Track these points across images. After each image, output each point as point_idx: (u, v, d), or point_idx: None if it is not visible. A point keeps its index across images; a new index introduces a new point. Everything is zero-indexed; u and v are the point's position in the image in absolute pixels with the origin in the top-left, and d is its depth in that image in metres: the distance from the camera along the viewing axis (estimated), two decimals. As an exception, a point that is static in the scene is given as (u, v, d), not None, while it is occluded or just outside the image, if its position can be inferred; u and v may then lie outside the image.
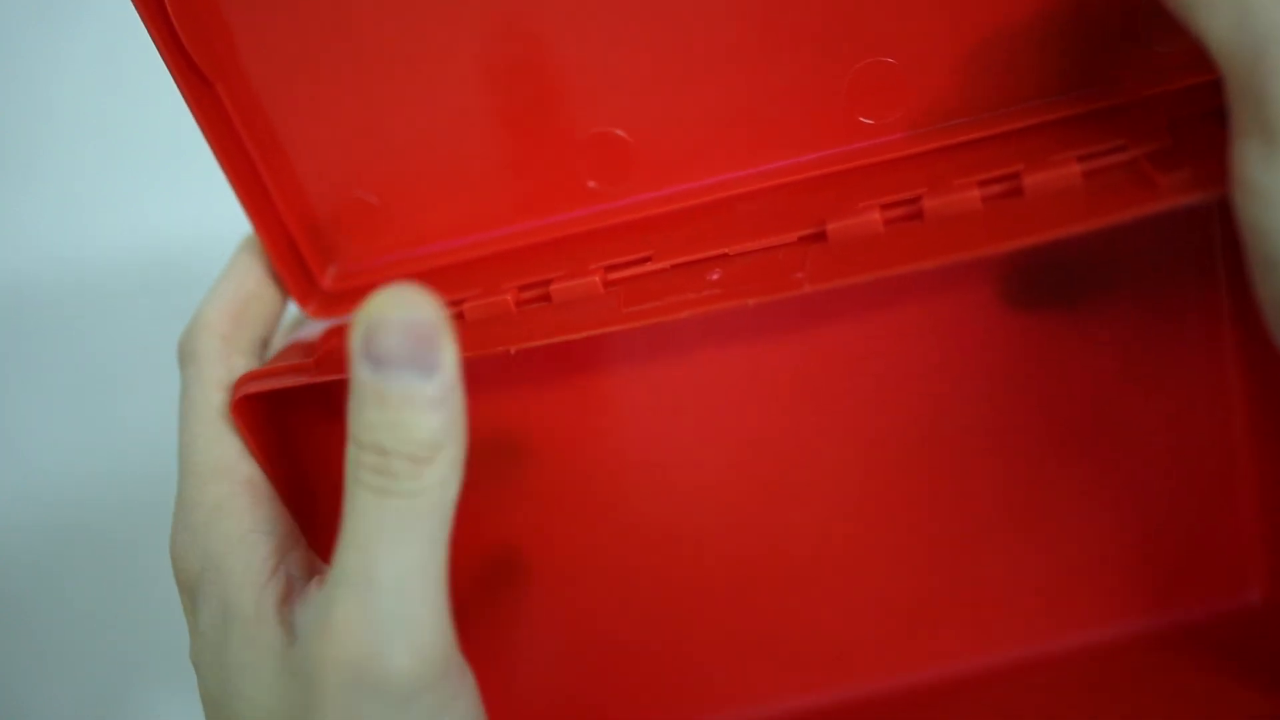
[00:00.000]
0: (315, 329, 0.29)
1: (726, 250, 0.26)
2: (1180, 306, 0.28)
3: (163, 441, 0.44)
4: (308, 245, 0.28)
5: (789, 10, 0.26)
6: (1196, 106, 0.24)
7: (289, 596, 0.23)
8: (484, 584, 0.25)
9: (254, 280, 0.27)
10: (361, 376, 0.21)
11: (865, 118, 0.27)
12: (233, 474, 0.25)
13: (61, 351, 0.44)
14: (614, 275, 0.26)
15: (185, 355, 0.26)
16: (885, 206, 0.25)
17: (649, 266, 0.26)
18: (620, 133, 0.27)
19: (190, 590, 0.24)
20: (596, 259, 0.27)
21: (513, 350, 0.24)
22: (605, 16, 0.26)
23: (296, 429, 0.28)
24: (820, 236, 0.25)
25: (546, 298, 0.26)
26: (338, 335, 0.27)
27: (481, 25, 0.26)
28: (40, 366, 0.44)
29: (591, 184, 0.28)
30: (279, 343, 0.29)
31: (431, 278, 0.28)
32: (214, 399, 0.25)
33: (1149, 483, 0.30)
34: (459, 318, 0.26)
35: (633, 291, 0.26)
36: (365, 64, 0.27)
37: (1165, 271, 0.29)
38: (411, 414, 0.21)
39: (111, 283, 0.44)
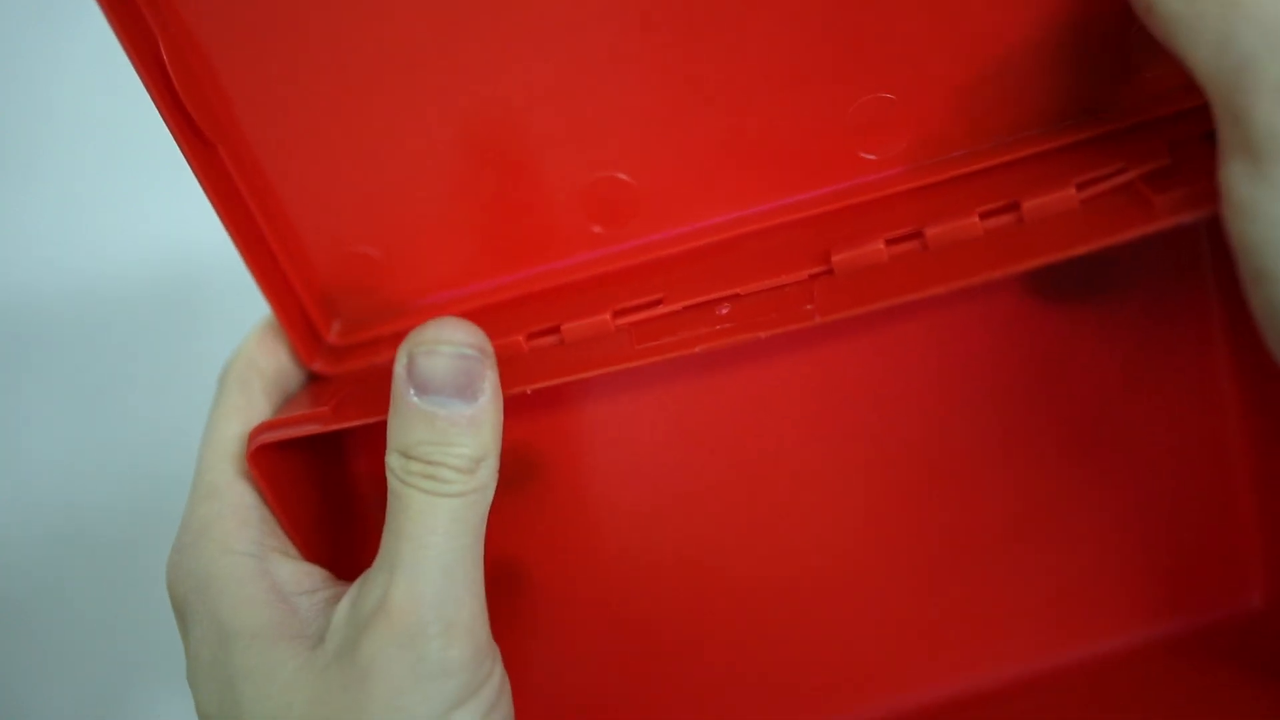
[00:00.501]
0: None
1: (737, 290, 0.26)
2: (1174, 311, 0.29)
3: (163, 443, 0.44)
4: (312, 303, 0.28)
5: (788, 49, 0.26)
6: (1194, 128, 0.25)
7: (293, 610, 0.24)
8: (488, 595, 0.25)
9: None
10: (408, 400, 0.24)
11: (867, 153, 0.27)
12: (223, 496, 0.25)
13: (61, 353, 0.44)
14: (625, 319, 0.26)
15: (220, 378, 0.28)
16: (890, 240, 0.25)
17: (660, 310, 0.26)
18: (623, 176, 0.28)
19: (180, 610, 0.25)
20: (605, 303, 0.27)
21: (529, 390, 0.25)
22: (602, 62, 0.26)
23: (307, 468, 0.28)
24: (828, 272, 0.25)
25: (558, 339, 0.27)
26: (349, 383, 0.27)
27: (477, 76, 0.26)
28: (40, 368, 0.44)
29: (596, 229, 0.28)
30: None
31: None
32: (226, 424, 0.26)
33: (1148, 490, 0.30)
34: None
35: (645, 331, 0.26)
36: (362, 119, 0.27)
37: (1159, 277, 0.29)
38: (458, 435, 0.24)
39: (111, 284, 0.44)
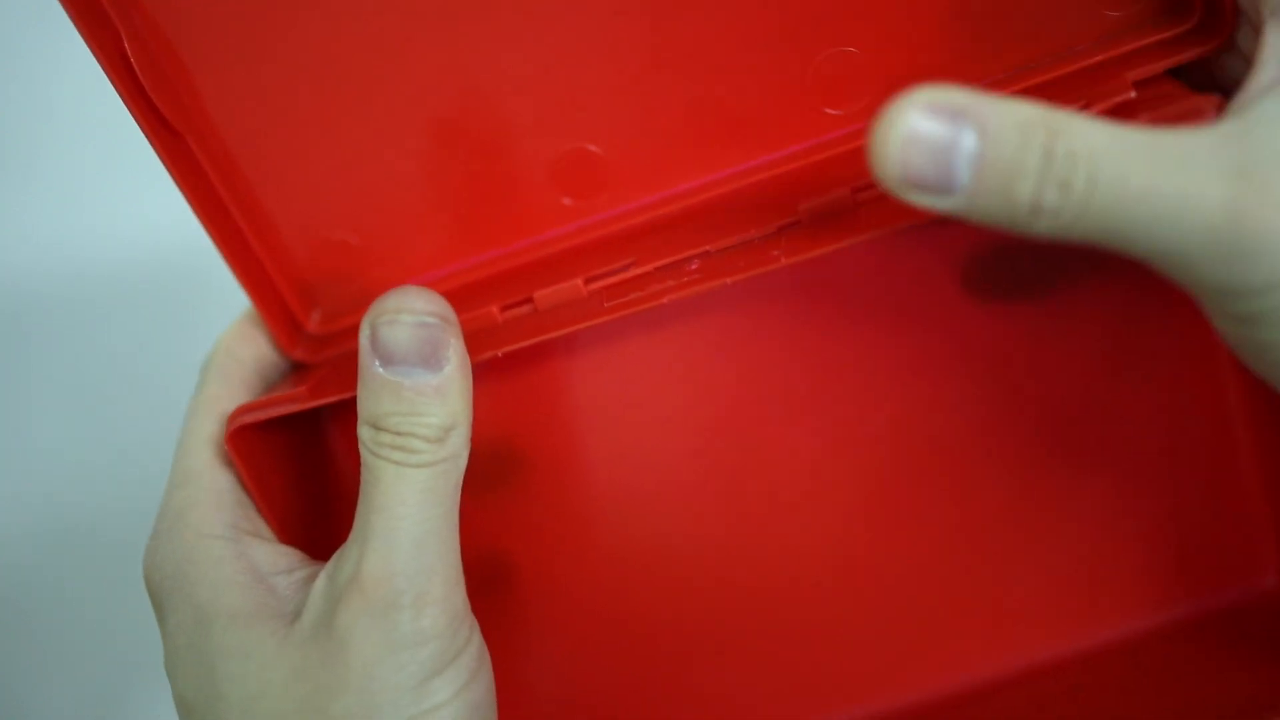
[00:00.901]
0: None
1: (707, 248, 0.26)
2: (1162, 289, 0.28)
3: (163, 442, 0.44)
4: (291, 292, 0.28)
5: (747, 11, 0.26)
6: (1156, 63, 0.25)
7: (271, 590, 0.24)
8: (475, 591, 0.25)
9: None
10: (374, 371, 0.23)
11: (832, 109, 0.27)
12: (198, 481, 0.25)
13: (61, 351, 0.44)
14: (597, 284, 0.27)
15: (201, 369, 0.28)
16: (856, 188, 0.25)
17: (633, 271, 0.26)
18: (591, 148, 0.28)
19: (157, 597, 0.25)
20: (578, 270, 0.27)
21: (500, 354, 0.25)
22: (566, 36, 0.26)
23: (287, 450, 0.28)
24: (796, 222, 0.26)
25: (531, 307, 0.27)
26: (327, 366, 0.27)
27: (444, 58, 0.26)
28: (39, 366, 0.44)
29: (567, 201, 0.28)
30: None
31: None
32: (204, 412, 0.26)
33: (1149, 474, 0.30)
34: None
35: (615, 292, 0.26)
36: (332, 105, 0.27)
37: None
38: (424, 404, 0.23)
39: (111, 284, 0.44)
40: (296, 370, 0.29)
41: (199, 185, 0.26)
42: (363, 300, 0.28)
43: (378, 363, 0.23)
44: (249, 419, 0.25)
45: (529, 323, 0.26)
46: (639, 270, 0.26)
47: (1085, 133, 0.20)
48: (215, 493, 0.25)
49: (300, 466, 0.29)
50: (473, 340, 0.26)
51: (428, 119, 0.27)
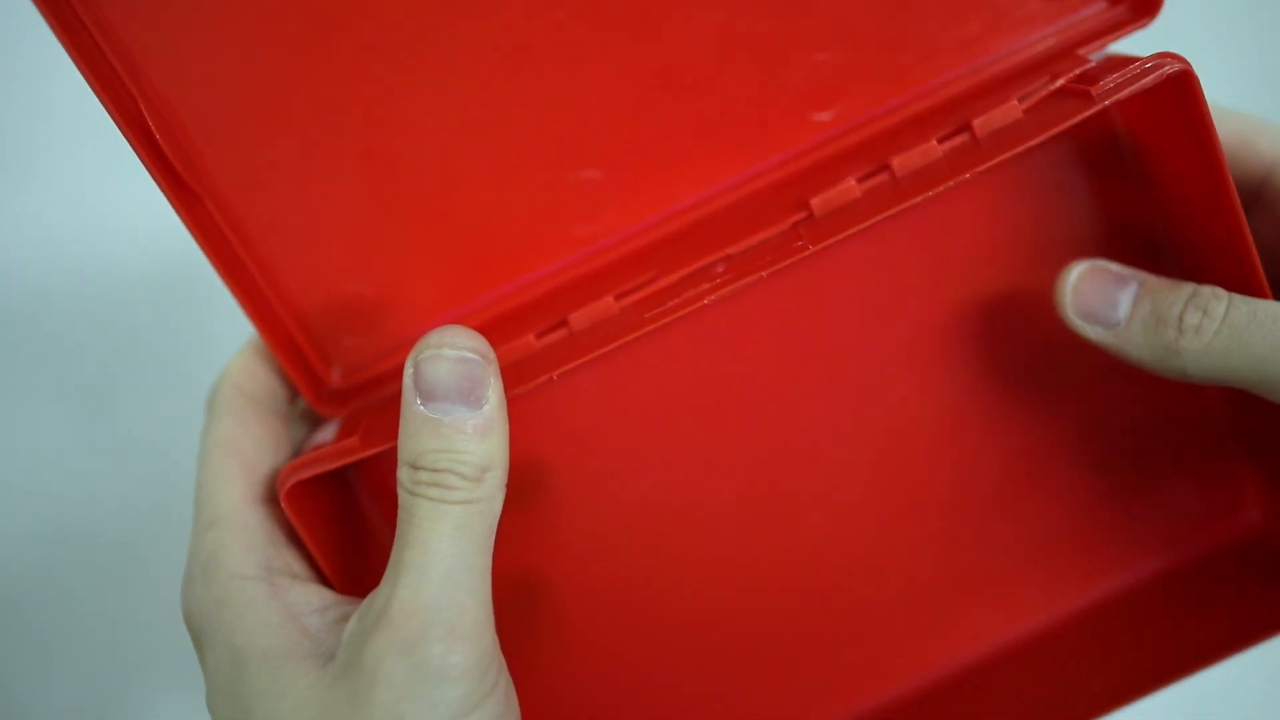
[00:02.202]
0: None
1: (728, 251, 0.27)
2: None
3: (163, 442, 0.44)
4: (310, 348, 0.29)
5: (724, 31, 0.27)
6: (1100, 39, 0.28)
7: (304, 630, 0.25)
8: (507, 609, 0.26)
9: None
10: (415, 409, 0.24)
11: (819, 113, 0.28)
12: (227, 522, 0.26)
13: (61, 352, 0.44)
14: (626, 299, 0.27)
15: (207, 404, 0.28)
16: (860, 178, 0.27)
17: (658, 284, 0.27)
18: (592, 174, 0.28)
19: (198, 636, 0.25)
20: (604, 290, 0.27)
21: (555, 376, 0.26)
22: (557, 69, 0.27)
23: (330, 500, 0.29)
24: (809, 217, 0.26)
25: (567, 330, 0.27)
26: (368, 413, 0.28)
27: (440, 103, 0.27)
28: (40, 367, 0.44)
29: (575, 229, 0.29)
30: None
31: None
32: (221, 450, 0.27)
33: (1134, 438, 0.31)
34: None
35: (648, 304, 0.26)
36: (332, 159, 0.27)
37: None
38: (463, 441, 0.24)
39: (112, 283, 0.44)
40: (320, 415, 0.29)
41: (220, 245, 0.27)
42: (385, 349, 0.29)
43: (419, 400, 0.24)
44: (304, 475, 0.26)
45: (570, 344, 0.27)
46: (665, 282, 0.27)
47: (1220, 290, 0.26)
48: (246, 533, 0.26)
49: (340, 513, 0.29)
50: (519, 369, 0.26)
51: (429, 162, 0.27)
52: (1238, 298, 0.26)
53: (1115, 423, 0.31)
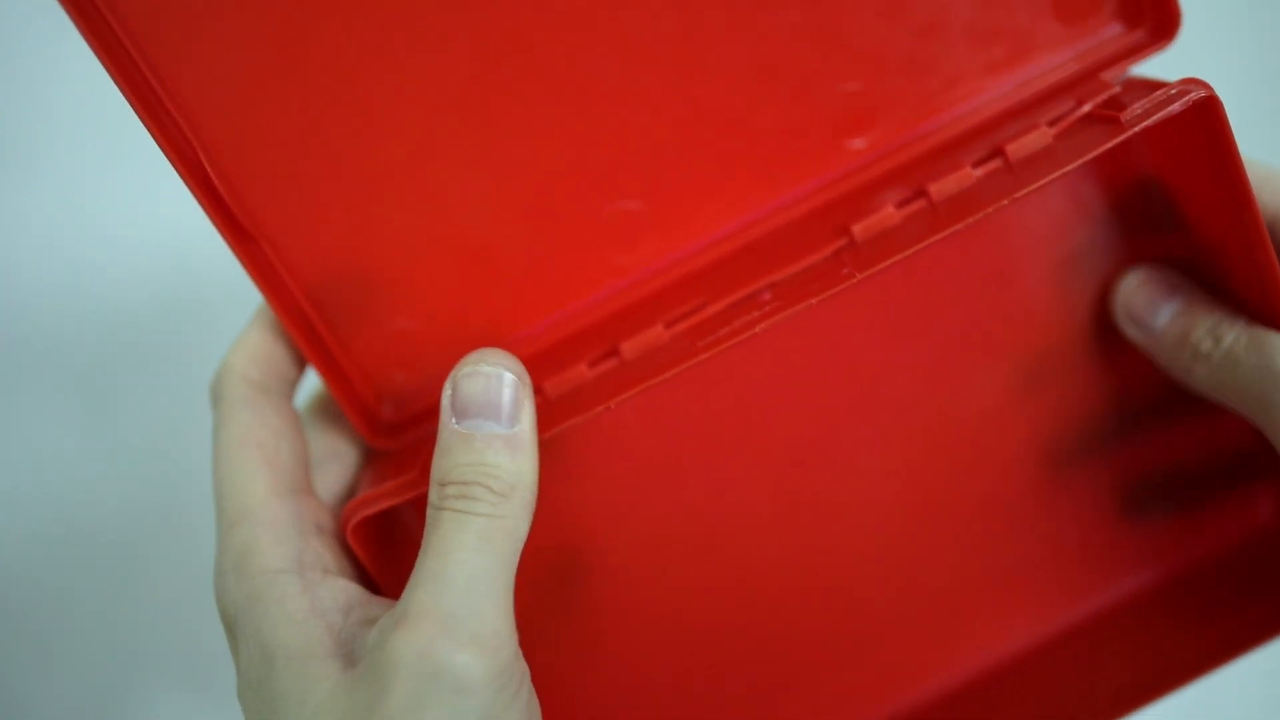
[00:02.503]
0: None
1: (773, 278, 0.27)
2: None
3: (163, 443, 0.44)
4: (364, 386, 0.29)
5: (760, 63, 0.28)
6: (1121, 64, 0.28)
7: (330, 628, 0.24)
8: (547, 585, 0.26)
9: (275, 333, 0.29)
10: (450, 427, 0.24)
11: (853, 141, 0.29)
12: (256, 516, 0.26)
13: (62, 351, 0.44)
14: (676, 327, 0.27)
15: (214, 398, 0.28)
16: (898, 204, 0.27)
17: (708, 311, 0.27)
18: (632, 205, 0.29)
19: (231, 630, 0.25)
20: (653, 317, 0.28)
21: (613, 405, 0.26)
22: (598, 99, 0.27)
23: (385, 527, 0.29)
24: (850, 243, 0.27)
25: (618, 359, 0.27)
26: (423, 446, 0.28)
27: (476, 142, 0.27)
28: (41, 366, 0.44)
29: (619, 259, 0.29)
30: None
31: None
32: (240, 444, 0.27)
33: (1159, 434, 0.32)
34: (543, 399, 0.27)
35: (699, 331, 0.27)
36: (379, 202, 0.28)
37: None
38: (494, 455, 0.24)
39: (113, 283, 0.44)
40: (380, 454, 0.30)
41: (279, 288, 0.27)
42: (432, 383, 0.29)
43: (454, 419, 0.24)
44: (368, 511, 0.26)
45: (625, 373, 0.27)
46: (713, 310, 0.27)
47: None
48: (276, 527, 0.25)
49: (395, 535, 0.29)
50: (574, 399, 0.27)
51: (474, 202, 0.28)
52: (1249, 330, 0.27)
53: (1139, 429, 0.32)
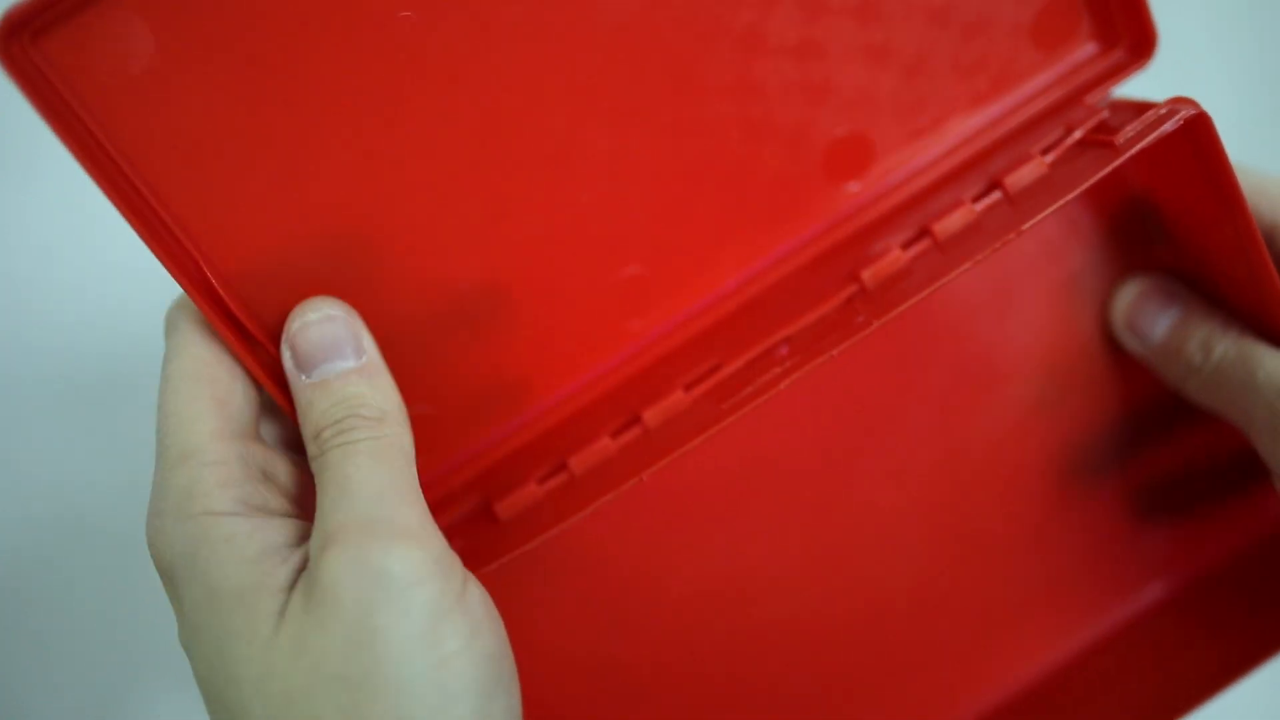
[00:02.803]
0: None
1: (787, 332, 0.28)
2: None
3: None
4: None
5: (750, 118, 0.28)
6: (1102, 86, 0.29)
7: (284, 562, 0.24)
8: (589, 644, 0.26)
9: None
10: (301, 383, 0.24)
11: (849, 185, 0.29)
12: (201, 456, 0.24)
13: (63, 351, 0.44)
14: (696, 390, 0.27)
15: (169, 326, 0.27)
16: (904, 245, 0.28)
17: (724, 372, 0.27)
18: (635, 270, 0.29)
19: (169, 574, 0.24)
20: (671, 382, 0.28)
21: (645, 477, 0.26)
22: (597, 167, 0.27)
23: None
24: (860, 291, 0.27)
25: (641, 427, 0.27)
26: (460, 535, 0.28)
27: (474, 223, 0.27)
28: (41, 365, 0.44)
29: (630, 325, 0.29)
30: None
31: (514, 459, 0.29)
32: (191, 378, 0.25)
33: (1171, 444, 0.32)
34: (569, 476, 0.27)
35: (720, 393, 0.27)
36: (386, 286, 0.27)
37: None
38: (354, 388, 0.24)
39: (114, 281, 0.44)
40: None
41: (285, 384, 0.27)
42: (453, 466, 0.29)
43: (303, 376, 0.24)
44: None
45: (649, 443, 0.27)
46: (730, 369, 0.27)
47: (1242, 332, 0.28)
48: (223, 469, 0.24)
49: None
50: (602, 474, 0.27)
51: (481, 280, 0.28)
52: (1238, 343, 0.28)
53: (1151, 441, 0.32)
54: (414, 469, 0.24)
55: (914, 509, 0.31)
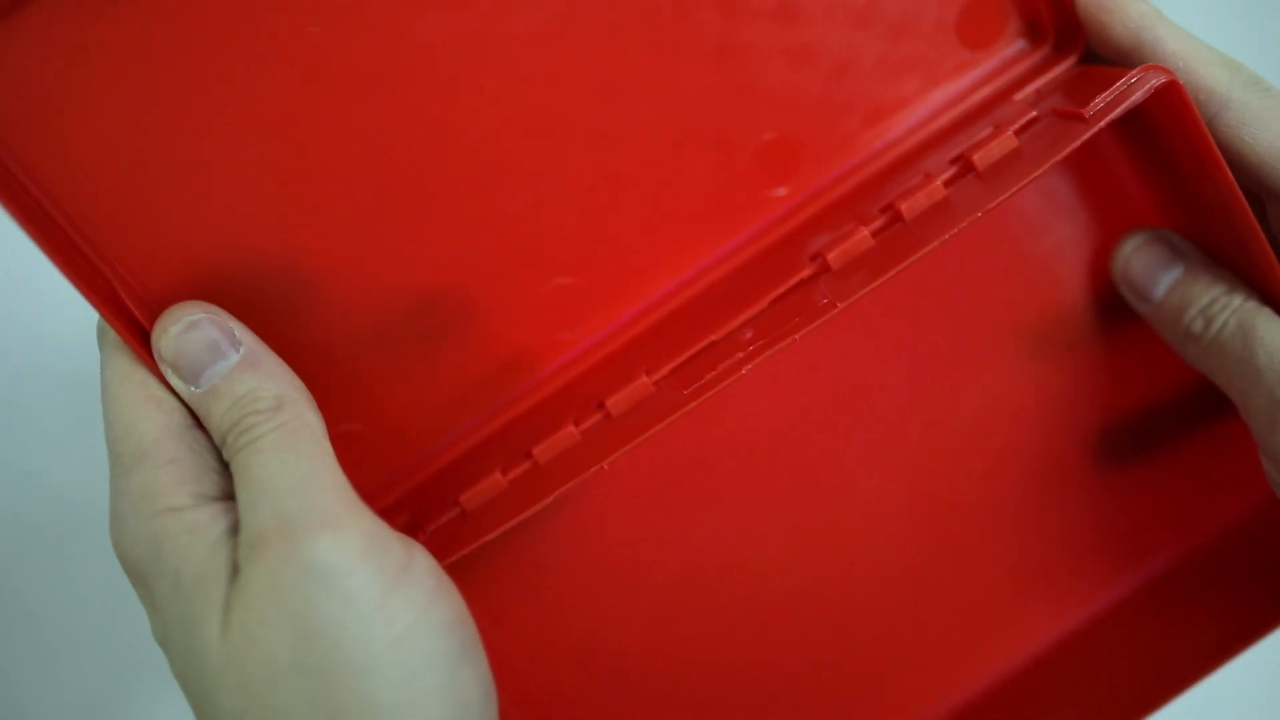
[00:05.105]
0: None
1: (749, 313, 0.27)
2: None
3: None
4: None
5: (676, 125, 0.27)
6: (1031, 83, 0.28)
7: (235, 552, 0.24)
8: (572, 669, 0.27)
9: None
10: (191, 394, 0.24)
11: (776, 189, 0.29)
12: (154, 457, 0.25)
13: (63, 351, 0.44)
14: (658, 374, 0.27)
15: (100, 333, 0.27)
16: (870, 227, 0.27)
17: (684, 356, 0.27)
18: (565, 280, 0.28)
19: (138, 573, 0.25)
20: (633, 371, 0.28)
21: (606, 465, 0.26)
22: (509, 184, 0.27)
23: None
24: (825, 269, 0.27)
25: (605, 414, 0.27)
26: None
27: (408, 246, 0.27)
28: (41, 365, 0.44)
29: (561, 336, 0.29)
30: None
31: (462, 464, 0.29)
32: (127, 380, 0.26)
33: (1155, 416, 0.32)
34: (533, 465, 0.27)
35: (683, 377, 0.27)
36: (311, 310, 0.27)
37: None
38: (243, 384, 0.24)
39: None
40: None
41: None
42: (389, 481, 0.29)
43: (191, 387, 0.24)
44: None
45: (614, 429, 0.27)
46: (690, 352, 0.27)
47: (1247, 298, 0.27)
48: (175, 467, 0.24)
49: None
50: (567, 461, 0.26)
51: (407, 300, 0.27)
52: (1239, 313, 0.27)
53: (1136, 415, 0.32)
54: (327, 445, 0.24)
55: (896, 489, 0.31)
